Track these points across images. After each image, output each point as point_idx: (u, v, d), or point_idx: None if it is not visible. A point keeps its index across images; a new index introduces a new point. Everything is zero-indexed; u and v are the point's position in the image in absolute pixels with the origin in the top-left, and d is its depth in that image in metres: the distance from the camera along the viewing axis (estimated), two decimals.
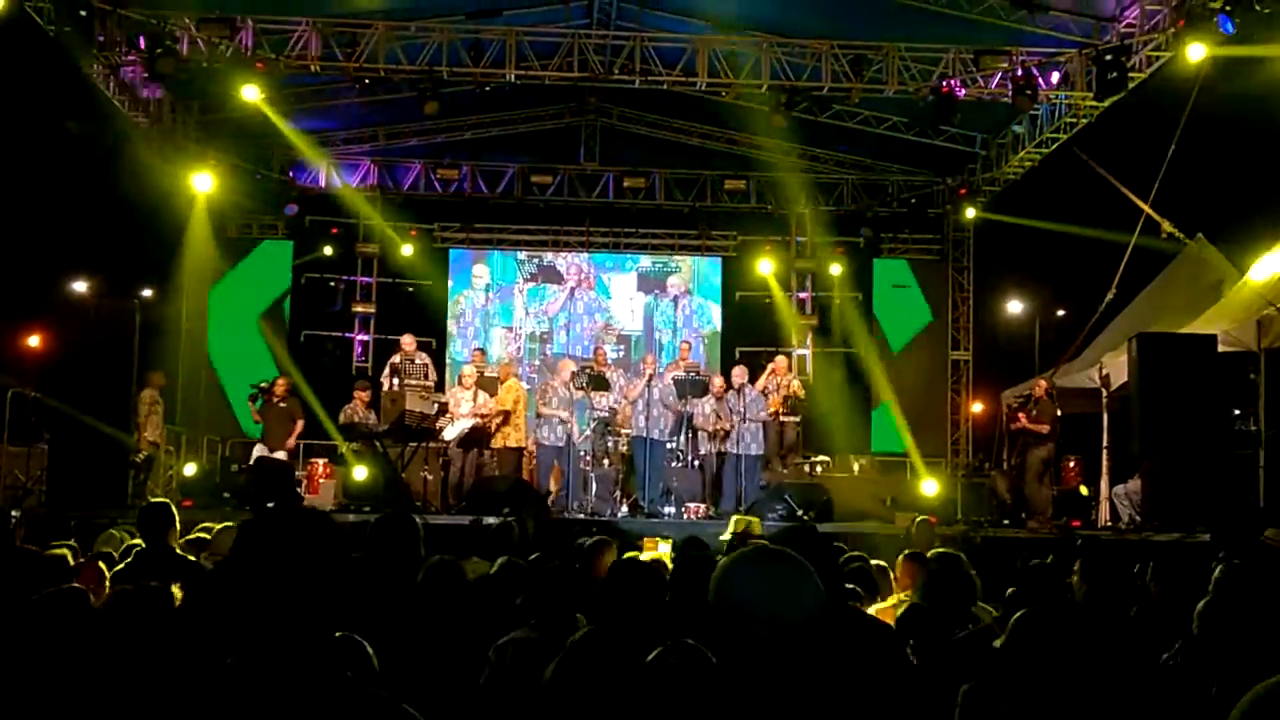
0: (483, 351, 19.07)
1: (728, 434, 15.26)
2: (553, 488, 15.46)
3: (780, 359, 17.67)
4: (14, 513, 11.98)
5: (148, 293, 19.31)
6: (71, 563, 6.49)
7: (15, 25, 13.78)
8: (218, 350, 19.99)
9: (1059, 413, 15.54)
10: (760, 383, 16.37)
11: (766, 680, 2.86)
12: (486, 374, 16.91)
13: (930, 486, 15.19)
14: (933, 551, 6.81)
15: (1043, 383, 15.83)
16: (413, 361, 16.76)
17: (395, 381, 16.35)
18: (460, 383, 16.09)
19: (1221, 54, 13.94)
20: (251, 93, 15.51)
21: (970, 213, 19.97)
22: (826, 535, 6.22)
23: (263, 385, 16.60)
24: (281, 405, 16.38)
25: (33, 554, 6.17)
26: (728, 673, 2.95)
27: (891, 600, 6.56)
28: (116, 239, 19.78)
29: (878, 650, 4.13)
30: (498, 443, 15.75)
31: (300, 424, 16.55)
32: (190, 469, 15.80)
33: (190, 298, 19.86)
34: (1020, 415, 15.66)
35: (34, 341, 23.24)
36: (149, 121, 17.32)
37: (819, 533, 5.22)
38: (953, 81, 15.71)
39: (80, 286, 22.13)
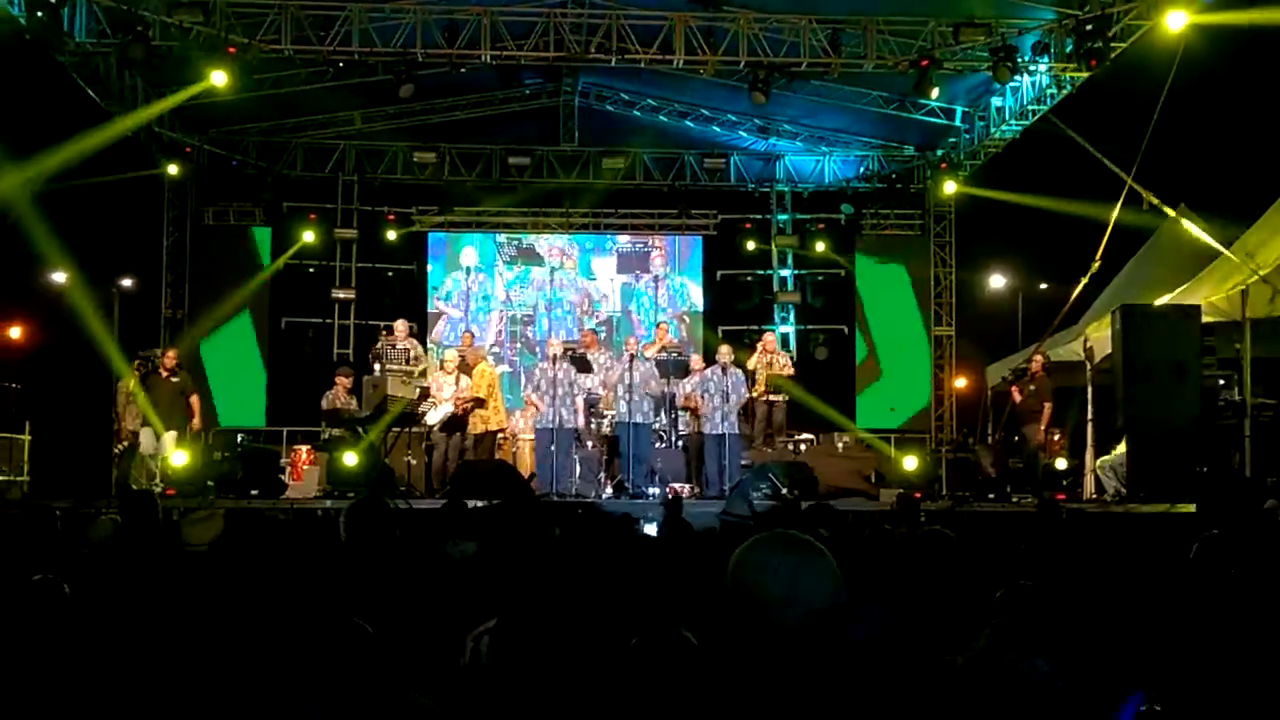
0: (471, 335, 19.03)
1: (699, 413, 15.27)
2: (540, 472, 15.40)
3: (769, 336, 17.64)
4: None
5: (127, 282, 19.20)
6: None
7: None
8: (200, 338, 19.83)
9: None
10: (752, 361, 16.36)
11: (777, 670, 2.80)
12: (470, 359, 16.86)
13: (912, 462, 15.15)
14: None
15: (1039, 358, 15.80)
16: (394, 347, 16.65)
17: (377, 367, 16.26)
18: (442, 367, 16.01)
19: (1203, 21, 13.89)
20: (219, 78, 15.26)
21: (951, 187, 19.93)
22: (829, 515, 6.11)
23: (148, 355, 15.21)
24: (172, 380, 15.03)
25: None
26: (722, 660, 2.88)
27: None
28: (92, 229, 19.63)
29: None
30: (477, 428, 15.70)
31: (196, 402, 15.25)
32: (180, 459, 15.60)
33: (170, 286, 19.75)
34: (1014, 389, 15.65)
35: (14, 333, 23.09)
36: (122, 109, 17.14)
37: (799, 510, 5.16)
38: (932, 54, 15.63)
39: (59, 277, 21.98)
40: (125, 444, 14.95)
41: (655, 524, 9.23)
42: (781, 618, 2.83)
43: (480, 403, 15.74)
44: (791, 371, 16.93)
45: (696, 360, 16.33)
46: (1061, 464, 15.51)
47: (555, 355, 15.31)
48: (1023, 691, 3.46)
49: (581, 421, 15.39)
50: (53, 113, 16.71)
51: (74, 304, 15.74)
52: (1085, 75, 15.72)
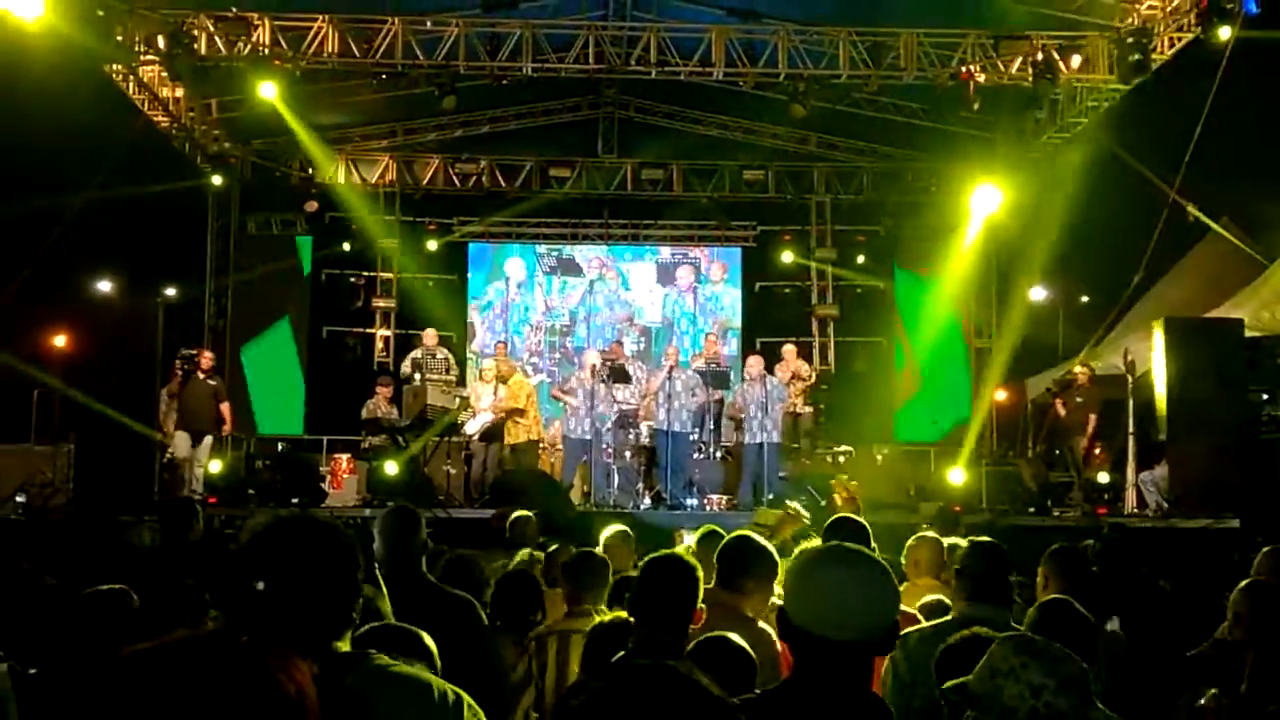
0: (504, 345, 19.10)
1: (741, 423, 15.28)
2: (575, 481, 15.44)
3: (788, 347, 17.62)
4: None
5: (171, 291, 19.37)
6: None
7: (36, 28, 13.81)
8: (243, 347, 19.98)
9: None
10: (777, 374, 16.38)
11: (828, 687, 2.80)
12: (501, 370, 16.96)
13: (957, 475, 15.08)
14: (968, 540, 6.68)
15: (1084, 370, 15.70)
16: (434, 356, 16.76)
17: (417, 376, 16.35)
18: (480, 377, 16.10)
19: (1247, 36, 13.79)
20: (269, 90, 15.49)
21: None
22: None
23: (189, 354, 15.18)
24: (209, 383, 15.15)
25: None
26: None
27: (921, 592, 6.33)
28: (138, 238, 19.83)
29: None
30: (518, 437, 15.76)
31: (227, 409, 15.28)
32: (215, 466, 15.74)
33: (214, 295, 19.93)
34: (1058, 401, 15.56)
35: (59, 341, 23.30)
36: (169, 120, 17.32)
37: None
38: (972, 67, 15.59)
39: (104, 286, 22.19)
40: (171, 454, 15.06)
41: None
42: (832, 635, 2.80)
43: (520, 412, 15.81)
44: (813, 380, 16.97)
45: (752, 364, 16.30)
46: (1104, 477, 15.40)
47: (594, 365, 15.36)
48: None
49: (610, 432, 15.44)
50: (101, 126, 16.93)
51: (119, 313, 15.87)
52: (1126, 88, 15.64)
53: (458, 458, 15.94)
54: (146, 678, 1.87)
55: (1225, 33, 13.70)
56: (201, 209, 19.95)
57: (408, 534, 5.02)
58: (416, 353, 16.88)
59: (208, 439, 14.90)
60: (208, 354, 15.62)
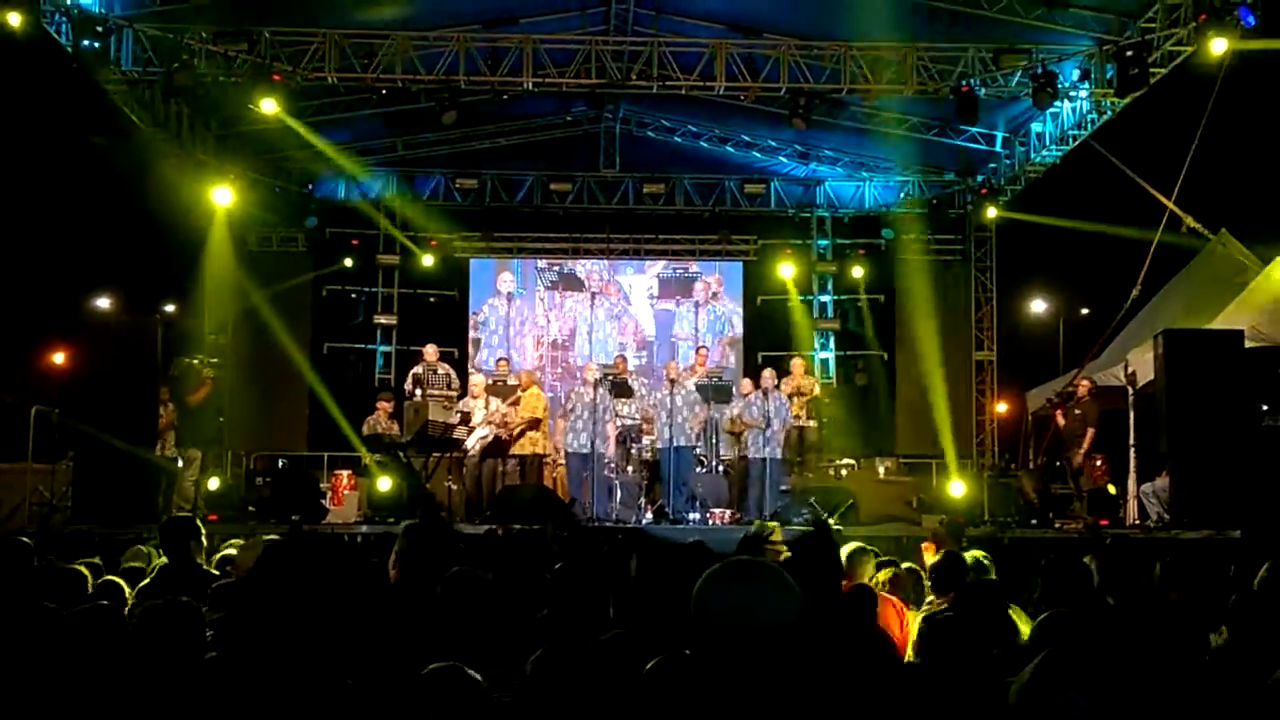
0: (507, 360, 19.08)
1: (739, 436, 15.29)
2: (578, 496, 15.41)
3: (796, 361, 17.62)
4: None
5: (170, 308, 19.37)
6: (91, 581, 6.42)
7: (34, 44, 13.86)
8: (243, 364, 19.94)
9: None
10: (786, 387, 16.38)
11: (736, 688, 2.97)
12: (509, 382, 16.93)
13: (958, 488, 15.07)
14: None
15: (1085, 382, 15.69)
16: (435, 372, 16.73)
17: (418, 392, 16.33)
18: (470, 393, 16.10)
19: (1244, 47, 13.82)
20: (269, 105, 15.52)
21: (991, 212, 19.88)
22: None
23: (191, 360, 15.41)
24: (214, 397, 15.45)
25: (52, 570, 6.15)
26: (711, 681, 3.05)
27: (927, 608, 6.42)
28: (137, 255, 19.85)
29: (868, 659, 4.09)
30: (525, 449, 15.73)
31: (222, 420, 15.51)
32: (215, 483, 15.73)
33: (212, 312, 19.90)
34: (1057, 413, 15.56)
35: (57, 359, 23.31)
36: (168, 137, 17.34)
37: (830, 537, 5.20)
38: (972, 80, 15.62)
39: (102, 303, 22.20)
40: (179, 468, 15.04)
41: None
42: (735, 640, 3.02)
43: (535, 423, 15.81)
44: (819, 392, 16.99)
45: (746, 385, 16.34)
46: (1109, 489, 15.40)
47: (594, 380, 15.35)
48: None
49: (612, 449, 15.42)
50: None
51: (116, 330, 15.88)
52: (1126, 101, 15.66)
53: (459, 473, 15.90)
54: None
55: (1222, 45, 13.73)
56: (201, 225, 19.94)
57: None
58: (418, 368, 16.86)
59: (197, 453, 15.01)
60: (206, 364, 15.69)
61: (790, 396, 16.19)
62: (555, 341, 21.53)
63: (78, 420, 13.32)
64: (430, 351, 17.07)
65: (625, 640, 4.25)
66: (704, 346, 19.50)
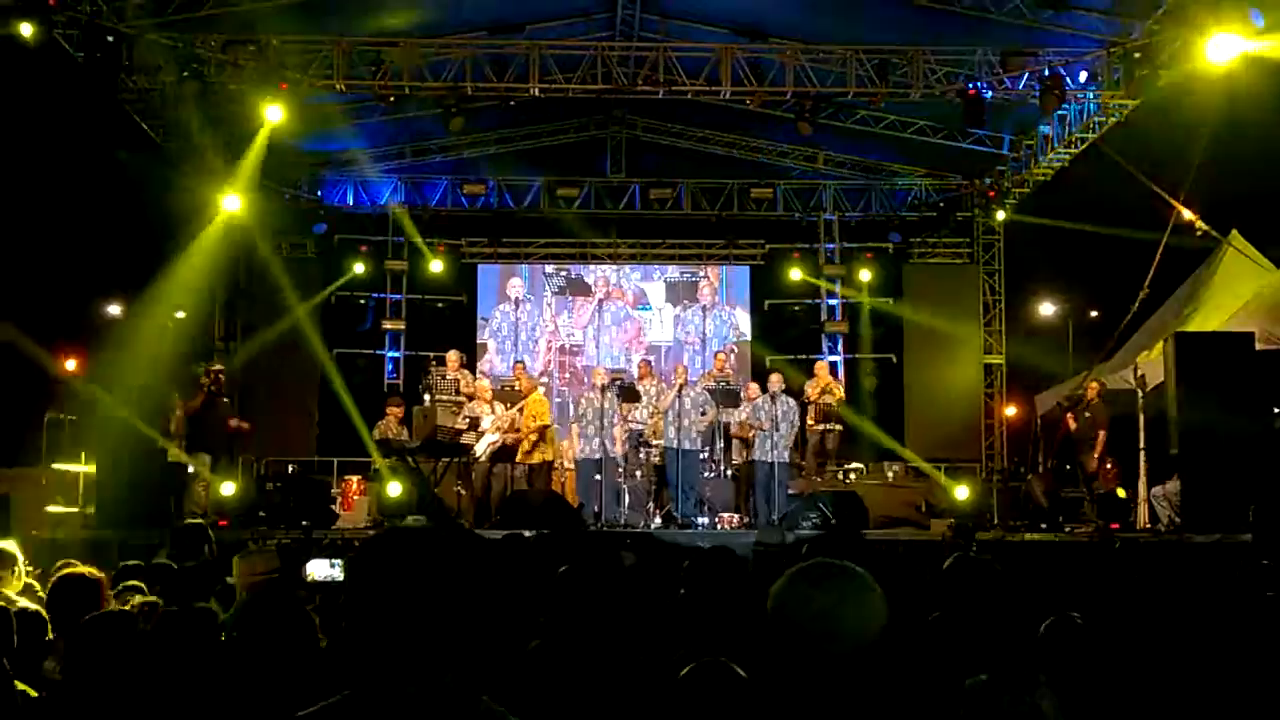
0: (522, 364, 19.07)
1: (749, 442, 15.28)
2: (586, 501, 15.42)
3: (821, 365, 17.63)
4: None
5: (180, 314, 19.38)
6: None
7: (45, 52, 13.93)
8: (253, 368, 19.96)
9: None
10: (809, 391, 16.41)
11: (818, 702, 2.81)
12: (516, 387, 16.93)
13: (963, 492, 15.06)
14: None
15: (1095, 385, 15.66)
16: (444, 377, 16.75)
17: (427, 397, 16.37)
18: (478, 397, 16.11)
19: (1253, 48, 13.78)
20: (275, 113, 15.51)
21: (1000, 215, 19.89)
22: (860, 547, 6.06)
23: (216, 369, 15.42)
24: (224, 400, 15.40)
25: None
26: (769, 691, 2.89)
27: None
28: (145, 261, 19.85)
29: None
30: (535, 458, 15.74)
31: (235, 423, 15.48)
32: (229, 489, 15.69)
33: (223, 317, 19.93)
34: (1068, 416, 15.52)
35: (70, 365, 23.34)
36: (177, 144, 17.37)
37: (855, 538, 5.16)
38: (979, 83, 15.61)
39: (113, 309, 22.23)
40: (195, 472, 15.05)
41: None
42: (826, 650, 2.84)
43: (542, 432, 15.83)
44: (842, 397, 16.98)
45: (752, 389, 16.30)
46: (1119, 493, 15.36)
47: (602, 385, 15.36)
48: None
49: (620, 452, 15.42)
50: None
51: (129, 335, 15.94)
52: (1134, 103, 15.64)
53: (468, 479, 15.92)
54: None
55: (1225, 52, 13.69)
56: (210, 232, 19.96)
57: None
58: (429, 374, 16.90)
59: (206, 457, 14.95)
60: (218, 370, 15.65)
61: (812, 402, 16.23)
62: (564, 346, 21.54)
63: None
64: (452, 358, 17.08)
65: (625, 640, 4.26)
66: (721, 351, 19.53)
